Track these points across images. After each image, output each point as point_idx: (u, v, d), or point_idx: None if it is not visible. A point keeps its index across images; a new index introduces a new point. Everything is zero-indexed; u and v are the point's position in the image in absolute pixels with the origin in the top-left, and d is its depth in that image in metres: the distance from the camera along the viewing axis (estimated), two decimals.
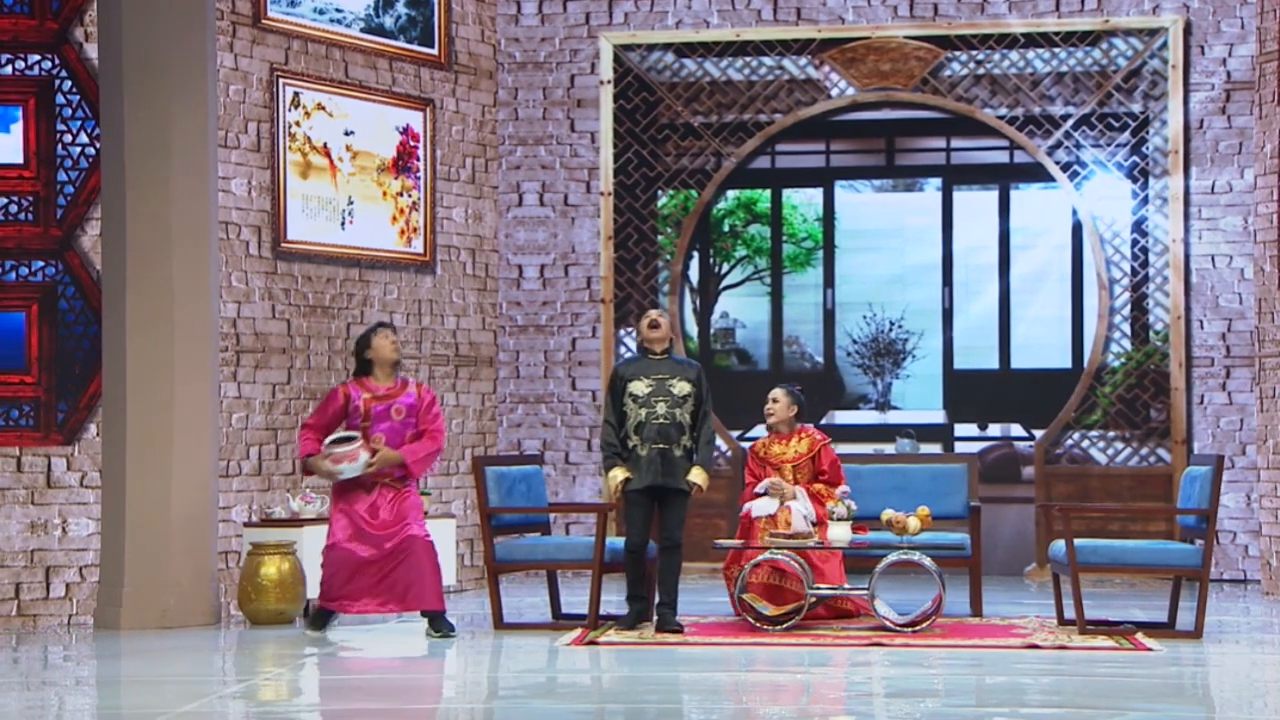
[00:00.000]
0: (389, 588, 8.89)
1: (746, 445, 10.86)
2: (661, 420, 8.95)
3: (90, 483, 9.82)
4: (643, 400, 8.98)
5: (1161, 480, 11.93)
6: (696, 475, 8.98)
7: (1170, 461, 11.93)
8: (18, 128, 9.95)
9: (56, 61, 10.00)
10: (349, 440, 8.88)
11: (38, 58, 9.99)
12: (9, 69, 9.97)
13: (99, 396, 9.74)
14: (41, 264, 9.94)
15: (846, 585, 9.19)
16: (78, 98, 9.99)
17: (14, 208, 9.94)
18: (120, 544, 9.42)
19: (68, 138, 9.98)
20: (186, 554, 9.46)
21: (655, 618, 8.94)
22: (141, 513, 9.41)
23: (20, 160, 9.95)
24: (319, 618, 9.14)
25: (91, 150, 9.95)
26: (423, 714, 7.01)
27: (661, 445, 8.93)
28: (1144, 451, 12.02)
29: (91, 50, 9.91)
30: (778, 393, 9.65)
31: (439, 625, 8.95)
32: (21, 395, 9.87)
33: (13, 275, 9.92)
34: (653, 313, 9.27)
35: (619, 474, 8.96)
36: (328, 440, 8.90)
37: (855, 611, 9.34)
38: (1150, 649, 8.31)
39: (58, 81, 9.99)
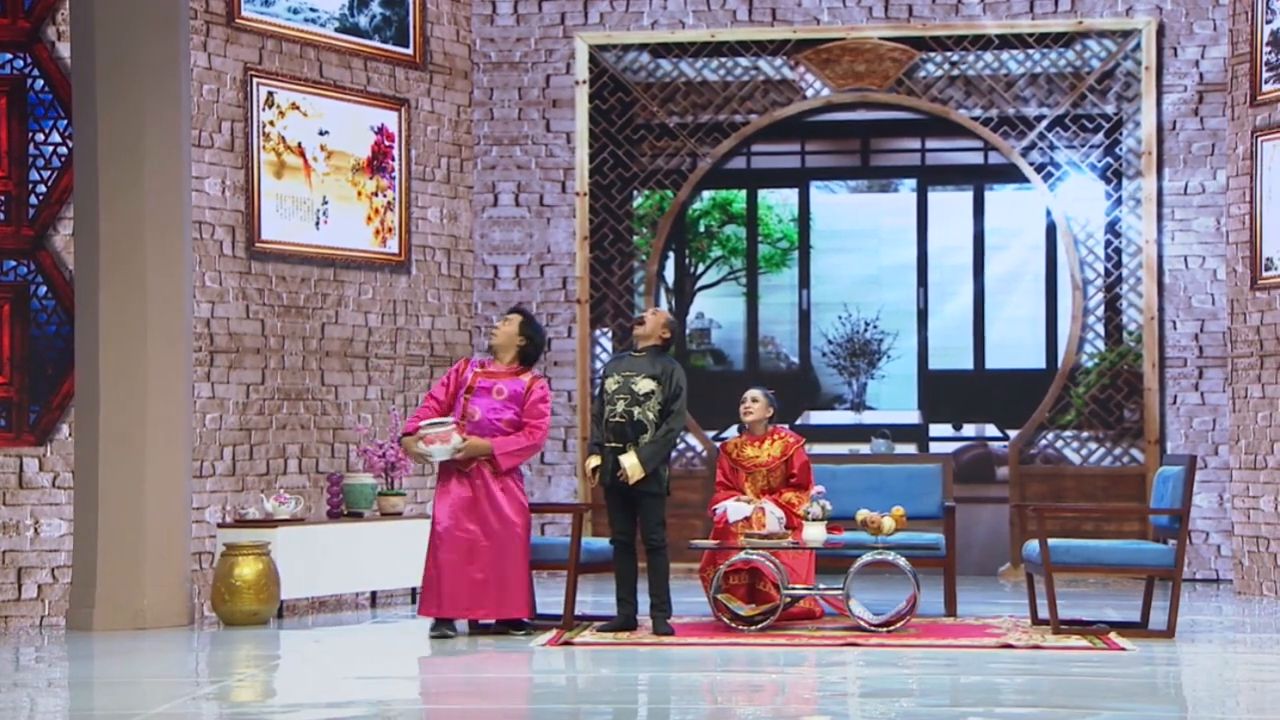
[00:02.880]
0: (485, 590, 8.81)
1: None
2: (618, 419, 8.81)
3: (63, 483, 9.77)
4: (609, 398, 8.92)
5: (1135, 480, 11.97)
6: (625, 460, 8.76)
7: (1143, 461, 11.97)
8: None
9: (29, 60, 9.95)
10: (443, 424, 8.85)
11: (9, 56, 9.94)
12: None
13: (71, 397, 9.70)
14: (14, 264, 9.89)
15: (821, 586, 9.21)
16: (50, 97, 9.94)
17: None
18: (93, 545, 9.37)
19: (40, 137, 9.93)
20: (160, 555, 9.42)
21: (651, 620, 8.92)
22: (114, 513, 9.37)
23: None
24: (441, 625, 8.86)
25: (64, 149, 9.90)
26: (394, 715, 6.98)
27: (614, 445, 8.82)
28: (1117, 451, 12.05)
29: (64, 49, 9.86)
30: (755, 393, 9.63)
31: (520, 626, 8.94)
32: None
33: None
34: (649, 308, 9.22)
35: (592, 461, 8.92)
36: (424, 422, 8.86)
37: (820, 613, 9.35)
38: (1124, 649, 8.34)
39: (30, 80, 9.94)
